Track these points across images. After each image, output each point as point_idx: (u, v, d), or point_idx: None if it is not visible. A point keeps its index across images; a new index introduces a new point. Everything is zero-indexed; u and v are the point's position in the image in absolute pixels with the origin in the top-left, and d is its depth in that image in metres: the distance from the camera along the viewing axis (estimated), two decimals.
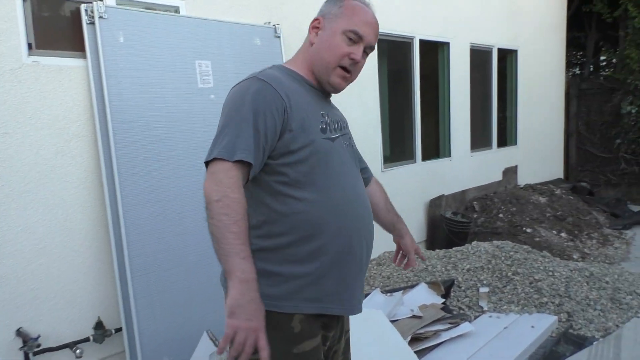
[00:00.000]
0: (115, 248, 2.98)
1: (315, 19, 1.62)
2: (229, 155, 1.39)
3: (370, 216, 1.67)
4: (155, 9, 3.23)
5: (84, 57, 2.88)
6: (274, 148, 1.46)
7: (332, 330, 1.61)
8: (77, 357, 2.86)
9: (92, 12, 2.83)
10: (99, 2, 2.87)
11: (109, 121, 2.90)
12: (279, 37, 3.78)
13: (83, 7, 2.83)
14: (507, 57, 7.24)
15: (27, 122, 2.75)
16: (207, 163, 1.43)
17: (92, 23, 2.84)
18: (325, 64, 1.57)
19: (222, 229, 1.35)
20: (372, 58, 4.89)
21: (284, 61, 3.80)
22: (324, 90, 1.65)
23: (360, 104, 4.78)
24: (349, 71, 1.60)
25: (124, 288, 2.99)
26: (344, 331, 1.71)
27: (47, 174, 2.83)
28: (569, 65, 11.34)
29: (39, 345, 2.75)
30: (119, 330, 3.06)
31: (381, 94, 5.10)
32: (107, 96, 2.88)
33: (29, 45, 2.74)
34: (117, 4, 3.03)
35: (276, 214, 1.48)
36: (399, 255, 1.99)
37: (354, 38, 1.56)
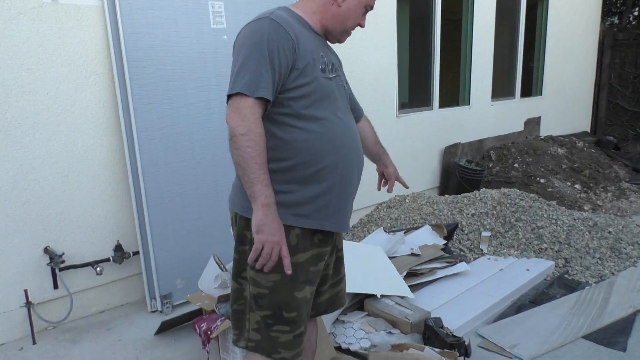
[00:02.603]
0: (132, 179, 3.22)
1: None
2: (252, 91, 1.57)
3: (360, 147, 1.87)
4: None
5: None
6: (284, 83, 1.64)
7: (328, 246, 1.82)
8: (97, 274, 3.17)
9: None
10: None
11: (124, 59, 3.07)
12: None
13: None
14: (538, 3, 7.02)
15: (49, 59, 2.94)
16: (229, 96, 1.61)
17: None
18: (345, 28, 1.82)
19: (248, 160, 1.56)
20: (391, 2, 4.87)
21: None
22: (324, 36, 1.85)
23: (377, 48, 4.80)
24: None
25: (141, 216, 3.26)
26: (335, 248, 1.93)
27: (68, 108, 3.05)
28: (607, 14, 10.85)
29: (63, 262, 3.06)
30: (136, 253, 3.35)
31: (400, 39, 5.09)
32: (123, 35, 3.04)
33: None
34: None
35: (280, 141, 1.67)
36: (382, 182, 2.21)
37: (368, 9, 1.83)
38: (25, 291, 2.99)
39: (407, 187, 2.20)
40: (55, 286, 3.10)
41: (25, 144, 2.93)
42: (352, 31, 1.87)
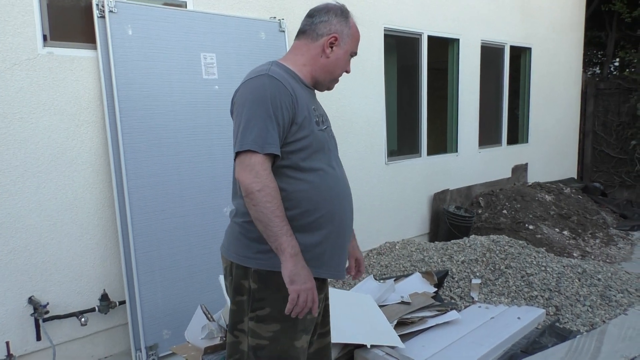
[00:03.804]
0: (121, 227, 3.20)
1: (333, 36, 1.83)
2: (260, 148, 1.61)
3: (351, 195, 1.91)
4: (163, 4, 3.42)
5: (95, 48, 3.11)
6: (285, 137, 1.69)
7: (322, 292, 1.85)
8: (82, 324, 3.11)
9: (102, 6, 3.05)
10: None
11: (116, 109, 3.12)
12: (283, 31, 3.95)
13: (94, 1, 3.05)
14: (521, 54, 7.26)
15: (41, 108, 2.98)
16: (237, 153, 1.64)
17: (103, 17, 3.06)
18: (333, 76, 1.88)
19: (269, 214, 1.59)
20: (378, 53, 5.02)
21: None
22: (313, 88, 1.91)
23: (364, 97, 4.91)
24: None
25: (128, 264, 3.22)
26: (325, 296, 1.94)
27: (58, 157, 3.07)
28: (590, 64, 11.22)
29: (47, 312, 3.00)
30: (122, 302, 3.29)
31: (388, 89, 5.22)
32: (116, 85, 3.10)
33: (44, 37, 2.98)
34: None
35: (281, 192, 1.69)
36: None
37: (352, 55, 1.91)
38: (7, 343, 2.91)
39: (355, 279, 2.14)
40: (39, 337, 3.03)
41: (14, 192, 2.92)
42: (339, 78, 1.94)
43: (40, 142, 2.99)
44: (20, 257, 2.97)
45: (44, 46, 2.97)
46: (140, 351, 3.22)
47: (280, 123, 1.64)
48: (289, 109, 1.67)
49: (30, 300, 3.00)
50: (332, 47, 1.82)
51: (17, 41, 2.87)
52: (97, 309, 3.21)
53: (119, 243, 3.23)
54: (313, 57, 1.84)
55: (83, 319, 3.11)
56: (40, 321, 3.01)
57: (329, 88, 1.94)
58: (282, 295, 1.68)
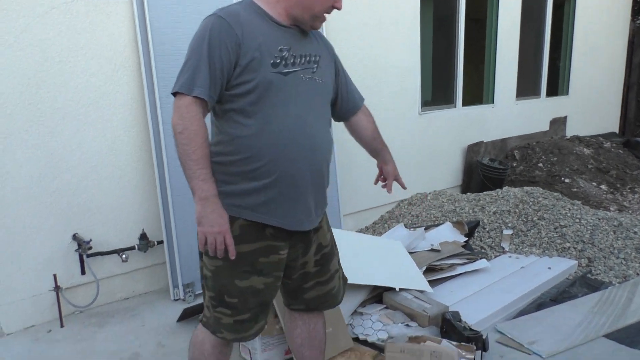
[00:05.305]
0: (158, 170, 3.30)
1: None
2: (188, 90, 1.59)
3: (318, 147, 1.77)
4: None
5: None
6: (229, 80, 1.64)
7: (283, 241, 1.78)
8: (123, 261, 3.27)
9: None
10: None
11: (151, 53, 3.15)
12: None
13: None
14: (565, 2, 6.92)
15: (79, 52, 3.04)
16: (174, 94, 1.64)
17: None
18: (313, 12, 1.70)
19: (184, 157, 1.60)
20: (415, 1, 4.87)
21: None
22: (295, 27, 1.75)
23: (399, 46, 4.81)
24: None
25: (165, 206, 3.33)
26: (311, 244, 1.89)
27: (97, 100, 3.15)
28: (638, 12, 10.58)
29: (90, 248, 3.16)
30: (160, 242, 3.43)
31: (423, 38, 5.09)
32: (150, 29, 3.13)
33: None
34: None
35: (225, 136, 1.69)
36: (380, 178, 2.18)
37: None
38: (54, 276, 3.10)
39: (405, 188, 2.14)
40: (83, 272, 3.20)
41: (57, 134, 3.03)
42: (326, 15, 1.75)
43: (80, 86, 3.07)
44: (64, 196, 3.11)
45: None
46: (178, 288, 3.38)
47: (216, 65, 1.58)
48: (229, 50, 1.59)
49: (75, 237, 3.16)
50: None
51: None
52: (136, 247, 3.36)
53: (156, 186, 3.34)
54: None
55: (124, 256, 3.27)
56: (84, 257, 3.17)
57: (314, 27, 1.77)
58: None
